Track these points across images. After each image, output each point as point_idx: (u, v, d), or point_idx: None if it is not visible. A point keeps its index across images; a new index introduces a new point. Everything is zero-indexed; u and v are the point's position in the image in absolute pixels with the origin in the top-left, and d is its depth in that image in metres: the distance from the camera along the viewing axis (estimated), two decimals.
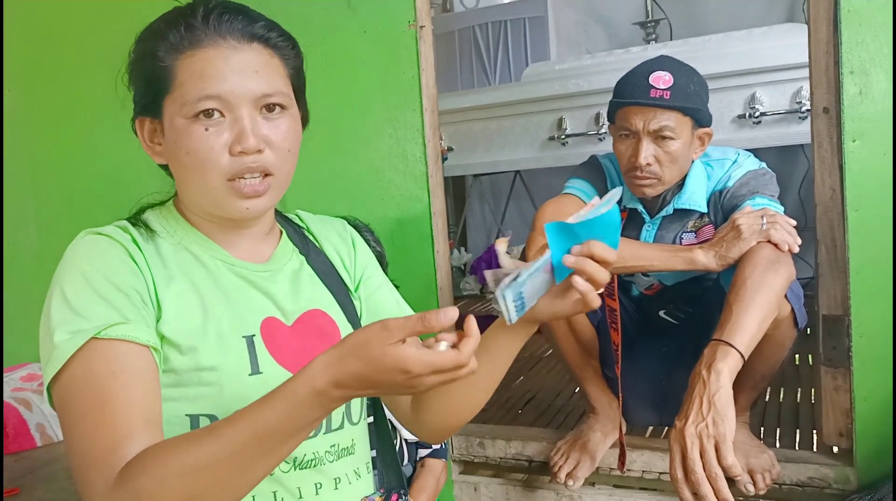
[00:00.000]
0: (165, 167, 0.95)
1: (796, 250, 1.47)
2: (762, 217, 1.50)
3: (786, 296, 1.47)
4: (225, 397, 0.85)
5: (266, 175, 0.87)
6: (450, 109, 3.61)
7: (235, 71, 0.85)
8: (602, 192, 1.78)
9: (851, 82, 1.44)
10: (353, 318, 1.00)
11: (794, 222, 1.50)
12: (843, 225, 1.48)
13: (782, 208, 1.60)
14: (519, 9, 4.00)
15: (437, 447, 1.69)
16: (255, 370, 0.87)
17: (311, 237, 1.05)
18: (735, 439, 1.24)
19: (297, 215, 1.08)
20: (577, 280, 0.85)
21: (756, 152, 1.75)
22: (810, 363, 2.43)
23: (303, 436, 0.75)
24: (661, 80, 1.58)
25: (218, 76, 0.84)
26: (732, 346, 1.30)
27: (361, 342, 0.71)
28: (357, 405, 0.99)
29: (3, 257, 2.39)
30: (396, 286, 1.75)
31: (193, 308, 0.87)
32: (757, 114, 2.94)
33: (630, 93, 1.61)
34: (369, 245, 1.66)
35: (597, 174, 1.79)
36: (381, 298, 1.06)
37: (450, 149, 3.67)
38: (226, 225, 0.93)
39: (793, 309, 1.54)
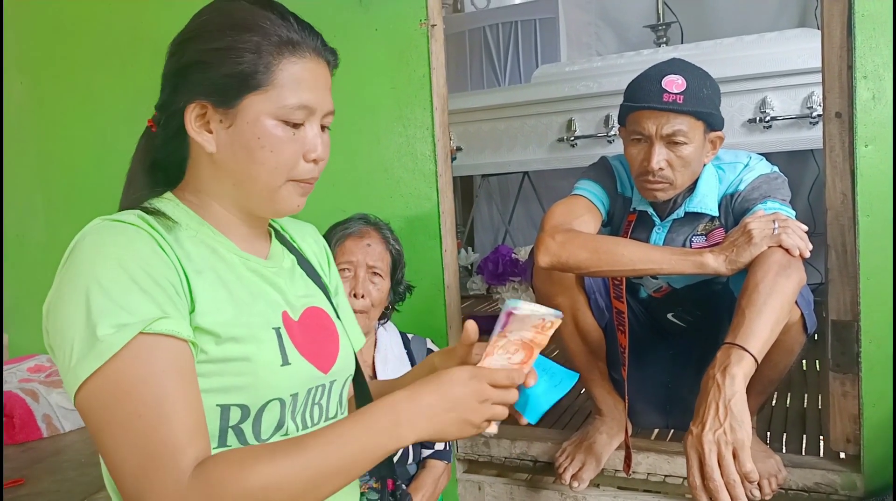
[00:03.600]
0: (172, 153, 0.93)
1: (807, 255, 1.46)
2: (774, 222, 1.49)
3: (796, 301, 1.47)
4: (259, 388, 0.86)
5: None
6: (459, 109, 3.61)
7: (320, 86, 0.91)
8: (612, 193, 1.77)
9: (865, 87, 1.43)
10: (336, 318, 1.04)
11: (805, 228, 1.49)
12: (854, 230, 1.47)
13: (794, 213, 1.59)
14: (530, 10, 4.00)
15: (440, 447, 1.69)
16: (286, 361, 0.89)
17: (288, 237, 1.07)
18: None
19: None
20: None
21: (766, 157, 1.75)
22: (818, 368, 2.42)
23: (374, 463, 0.83)
24: (674, 84, 1.58)
25: (313, 88, 0.90)
26: (746, 350, 1.29)
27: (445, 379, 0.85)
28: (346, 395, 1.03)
29: (2, 249, 2.41)
30: (413, 287, 1.77)
31: (224, 301, 0.87)
32: (767, 118, 2.93)
33: (643, 97, 1.61)
34: (389, 243, 1.68)
35: (607, 176, 1.78)
36: (343, 318, 1.08)
37: (459, 149, 3.67)
38: (245, 220, 0.95)
39: (802, 314, 1.53)
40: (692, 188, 1.70)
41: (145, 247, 0.82)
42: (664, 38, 3.72)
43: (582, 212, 1.69)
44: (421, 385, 0.84)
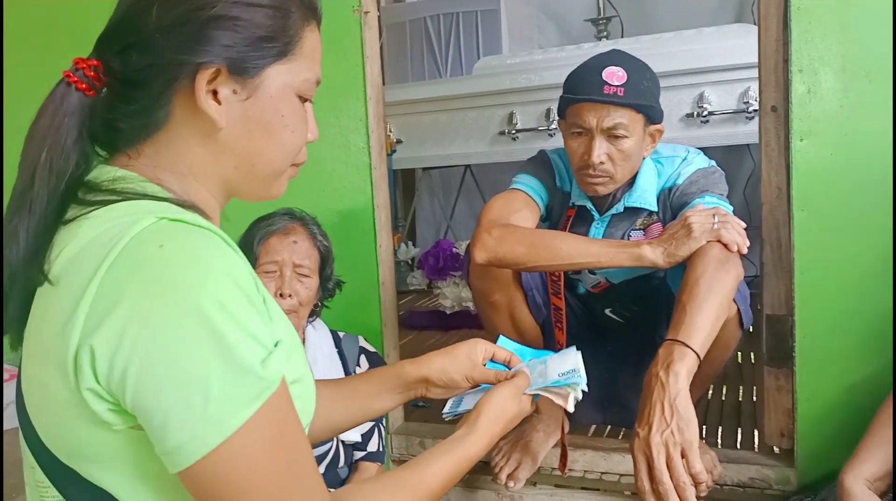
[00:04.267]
0: (135, 121, 0.74)
1: (745, 251, 1.45)
2: (714, 216, 1.47)
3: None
4: (305, 411, 0.77)
5: None
6: (399, 101, 3.55)
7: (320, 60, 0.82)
8: (550, 187, 1.74)
9: (800, 81, 1.43)
10: None
11: (743, 224, 1.48)
12: (789, 225, 1.47)
13: (731, 208, 1.58)
14: (471, 1, 3.95)
15: (373, 450, 1.63)
16: (310, 377, 0.82)
17: None
18: None
19: None
20: None
21: (703, 151, 1.74)
22: (753, 361, 2.44)
23: None
24: (615, 76, 1.55)
25: (320, 62, 0.81)
26: (688, 346, 1.27)
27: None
28: None
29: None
30: (343, 282, 1.70)
31: (276, 312, 0.75)
32: (705, 113, 2.95)
33: (583, 89, 1.57)
34: (316, 240, 1.60)
35: (545, 170, 1.75)
36: None
37: (399, 141, 3.61)
38: (219, 206, 0.83)
39: (739, 310, 1.52)
40: (631, 183, 1.67)
41: (235, 256, 0.68)
42: (605, 33, 3.72)
43: (520, 206, 1.65)
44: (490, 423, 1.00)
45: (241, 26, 0.73)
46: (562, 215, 1.75)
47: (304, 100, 0.80)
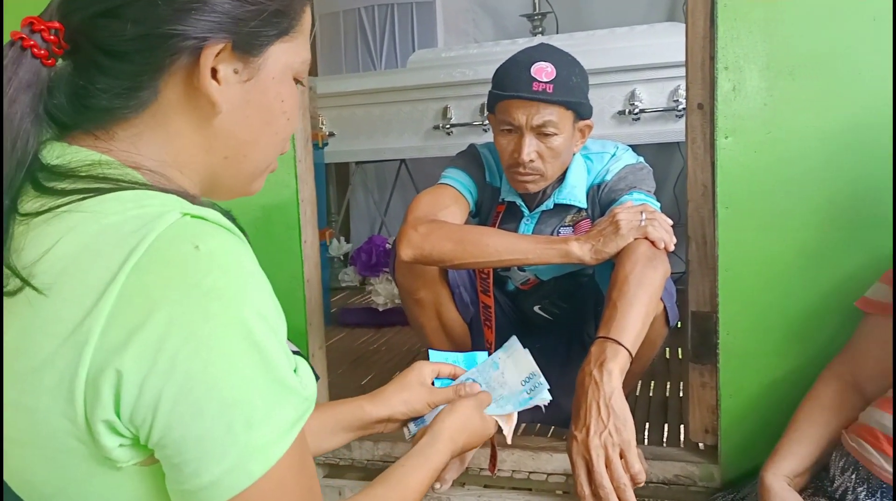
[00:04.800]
0: (110, 98, 0.64)
1: (672, 248, 1.46)
2: (641, 213, 1.47)
3: None
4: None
5: None
6: (332, 93, 3.47)
7: None
8: (480, 182, 1.71)
9: (726, 78, 1.42)
10: None
11: (670, 221, 1.48)
12: (714, 222, 1.47)
13: (659, 205, 1.58)
14: None
15: None
16: None
17: None
18: None
19: None
20: None
21: (635, 149, 1.73)
22: (680, 357, 2.47)
23: None
24: (544, 72, 1.52)
25: None
26: (621, 344, 1.26)
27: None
28: None
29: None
30: None
31: None
32: (636, 110, 2.97)
33: (511, 85, 1.54)
34: None
35: (475, 165, 1.72)
36: None
37: (331, 134, 3.53)
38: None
39: (665, 307, 1.52)
40: (561, 179, 1.66)
41: (255, 259, 0.61)
42: (540, 28, 3.72)
43: (448, 202, 1.62)
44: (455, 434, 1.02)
45: None
46: (491, 210, 1.73)
47: (297, 82, 0.72)
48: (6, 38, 0.63)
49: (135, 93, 0.64)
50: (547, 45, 1.61)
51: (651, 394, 2.21)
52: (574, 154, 1.64)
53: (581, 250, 1.47)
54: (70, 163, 0.62)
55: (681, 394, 2.14)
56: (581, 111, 1.57)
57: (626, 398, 1.78)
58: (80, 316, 0.53)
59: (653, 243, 1.44)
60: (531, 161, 1.54)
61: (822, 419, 1.30)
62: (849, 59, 1.36)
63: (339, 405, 1.10)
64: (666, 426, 1.95)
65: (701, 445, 1.65)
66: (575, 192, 1.64)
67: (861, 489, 1.15)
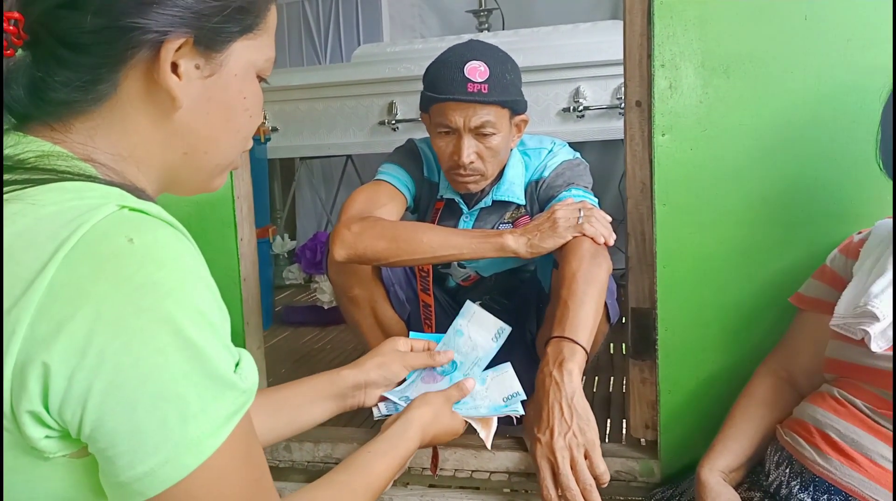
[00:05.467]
0: (68, 90, 0.63)
1: (612, 243, 1.46)
2: (580, 210, 1.47)
3: None
4: None
5: None
6: (275, 87, 3.41)
7: None
8: (418, 178, 1.68)
9: (662, 76, 1.43)
10: None
11: (609, 218, 1.48)
12: (652, 219, 1.47)
13: (597, 201, 1.58)
14: None
15: None
16: None
17: None
18: None
19: None
20: None
21: (580, 146, 1.73)
22: (624, 352, 2.49)
23: None
24: (477, 72, 1.50)
25: None
26: (577, 342, 1.25)
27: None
28: None
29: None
30: None
31: None
32: (581, 108, 2.98)
33: (445, 88, 1.52)
34: None
35: (413, 160, 1.69)
36: None
37: (274, 129, 3.46)
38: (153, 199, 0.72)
39: (606, 304, 1.52)
40: (499, 176, 1.65)
41: (200, 256, 0.61)
42: (486, 24, 3.71)
43: (385, 200, 1.59)
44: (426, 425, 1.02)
45: None
46: (430, 205, 1.71)
47: (260, 80, 0.72)
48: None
49: (93, 86, 0.64)
50: (476, 41, 1.60)
51: (594, 390, 2.22)
52: (511, 150, 1.63)
53: (516, 244, 1.45)
54: (20, 154, 0.61)
55: (624, 390, 2.16)
56: (517, 108, 1.56)
57: None
58: (8, 306, 0.52)
59: (592, 239, 1.44)
60: (471, 163, 1.53)
61: (757, 415, 1.31)
62: (781, 57, 1.38)
63: (317, 376, 1.11)
64: (609, 421, 1.96)
65: (642, 440, 1.66)
66: (514, 188, 1.63)
67: (795, 483, 1.17)
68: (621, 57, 1.53)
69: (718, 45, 1.39)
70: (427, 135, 1.75)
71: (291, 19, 3.92)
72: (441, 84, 1.51)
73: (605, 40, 2.93)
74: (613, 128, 2.99)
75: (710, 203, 1.44)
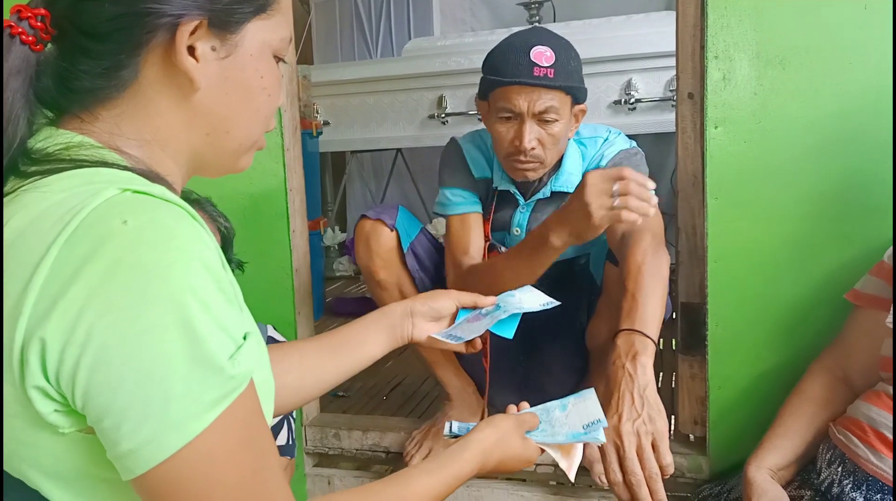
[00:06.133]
0: (91, 80, 0.65)
1: (652, 213, 1.35)
2: (612, 196, 1.34)
3: None
4: (268, 412, 0.71)
5: None
6: (327, 81, 3.45)
7: None
8: (472, 185, 1.69)
9: (715, 67, 1.41)
10: None
11: (651, 183, 1.34)
12: (703, 213, 1.46)
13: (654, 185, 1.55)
14: None
15: (282, 442, 1.57)
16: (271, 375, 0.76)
17: None
18: None
19: None
20: None
21: (632, 139, 1.71)
22: (673, 347, 2.46)
23: None
24: (543, 56, 1.49)
25: None
26: (647, 336, 1.25)
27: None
28: None
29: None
30: (244, 262, 1.63)
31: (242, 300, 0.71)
32: (632, 100, 2.95)
33: (511, 71, 1.50)
34: (217, 221, 1.52)
35: (462, 171, 1.70)
36: None
37: (326, 123, 3.51)
38: (183, 180, 0.75)
39: None
40: (557, 166, 1.64)
41: (206, 237, 0.60)
42: (537, 17, 3.69)
43: (467, 236, 1.65)
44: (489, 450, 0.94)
45: None
46: (486, 200, 1.72)
47: (278, 60, 0.73)
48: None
49: (115, 72, 0.65)
50: (540, 28, 1.59)
51: None
52: (569, 140, 1.62)
53: (560, 240, 1.40)
54: (48, 147, 0.64)
55: (673, 385, 2.14)
56: (578, 96, 1.55)
57: None
58: (20, 289, 0.55)
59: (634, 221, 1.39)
60: (532, 149, 1.52)
61: (809, 413, 1.29)
62: (839, 48, 1.35)
63: (369, 313, 1.10)
64: None
65: (691, 436, 1.64)
66: (572, 179, 1.62)
67: (847, 481, 1.14)
68: (674, 48, 1.52)
69: (774, 35, 1.36)
70: (468, 130, 1.75)
71: (343, 14, 3.96)
72: (506, 68, 1.51)
73: (657, 31, 2.89)
74: (666, 120, 2.95)
75: (763, 197, 1.41)
